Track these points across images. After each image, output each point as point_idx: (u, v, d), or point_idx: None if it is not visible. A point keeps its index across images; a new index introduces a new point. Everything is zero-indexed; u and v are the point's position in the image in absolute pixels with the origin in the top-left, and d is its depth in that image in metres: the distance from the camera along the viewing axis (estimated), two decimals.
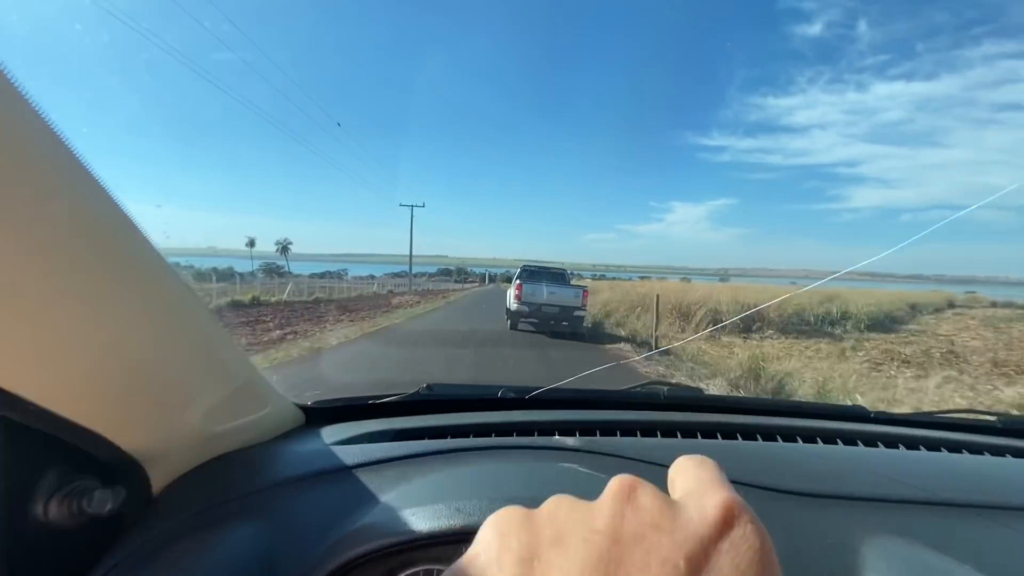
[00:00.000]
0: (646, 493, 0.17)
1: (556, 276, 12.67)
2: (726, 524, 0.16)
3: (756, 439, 0.72)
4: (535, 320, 10.79)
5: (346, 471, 0.55)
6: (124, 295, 0.39)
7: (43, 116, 0.30)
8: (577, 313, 10.99)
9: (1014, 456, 0.74)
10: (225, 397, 0.54)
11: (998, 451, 0.75)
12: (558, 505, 0.18)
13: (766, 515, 0.17)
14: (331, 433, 0.67)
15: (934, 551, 0.44)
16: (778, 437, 0.73)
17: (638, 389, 0.87)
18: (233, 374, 0.55)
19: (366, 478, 0.54)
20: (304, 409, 0.73)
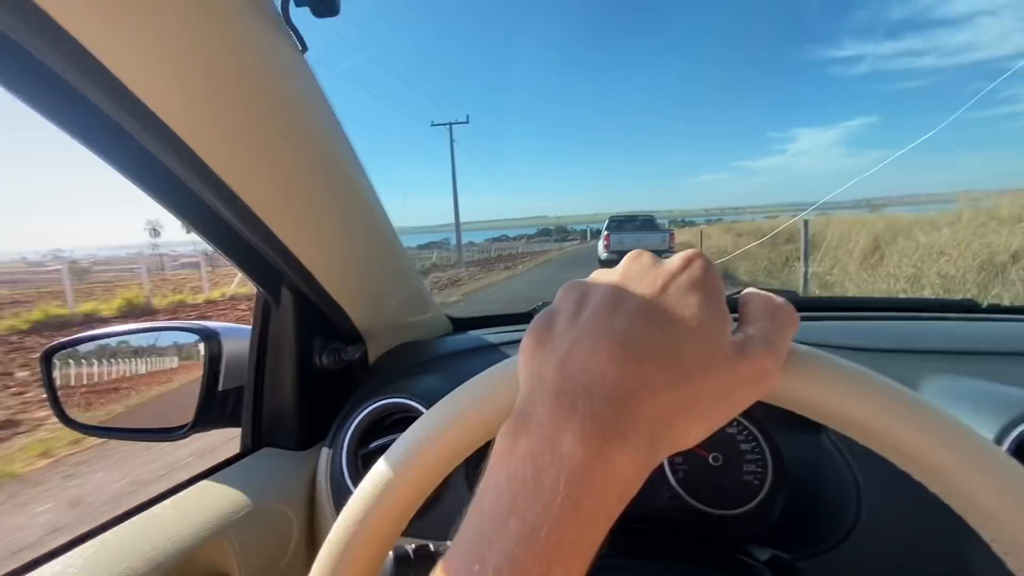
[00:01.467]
0: (645, 254, 0.27)
1: (644, 222, 13.58)
2: (688, 261, 0.26)
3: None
4: None
5: (486, 347, 0.78)
6: (357, 216, 0.62)
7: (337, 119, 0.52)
8: (665, 255, 11.75)
9: None
10: (408, 297, 0.78)
11: None
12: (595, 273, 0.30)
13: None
14: (472, 334, 0.89)
15: (984, 380, 0.53)
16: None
17: (736, 295, 0.98)
18: (412, 282, 0.80)
19: (494, 353, 0.76)
20: (451, 319, 0.97)
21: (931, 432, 0.22)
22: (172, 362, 0.69)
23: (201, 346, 0.66)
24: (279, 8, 0.42)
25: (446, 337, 0.89)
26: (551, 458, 0.20)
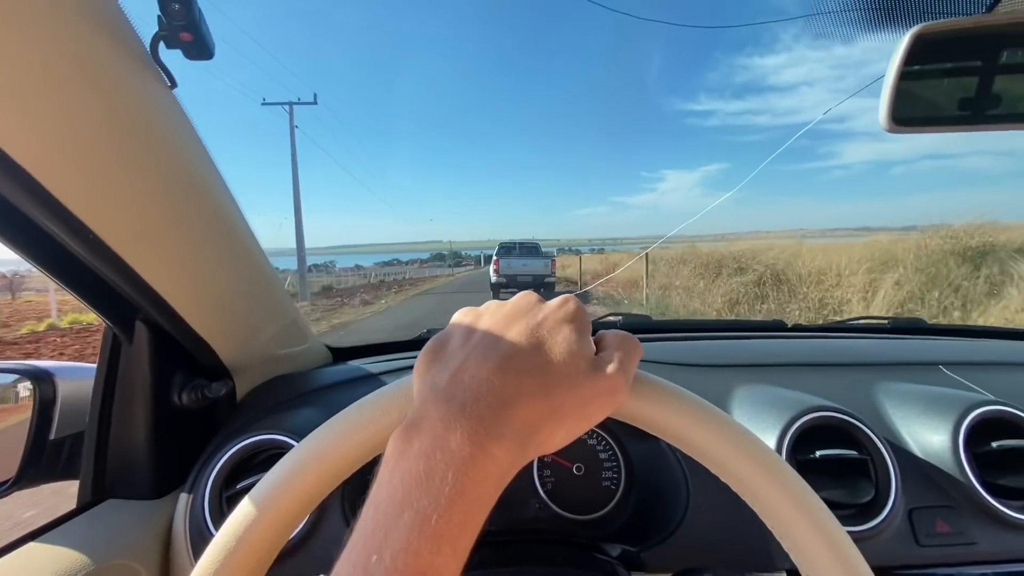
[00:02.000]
0: (532, 294, 0.33)
1: (529, 249, 15.60)
2: (564, 301, 0.31)
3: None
4: (513, 288, 13.03)
5: (366, 377, 0.80)
6: (225, 246, 0.61)
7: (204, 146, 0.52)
8: (548, 279, 14.17)
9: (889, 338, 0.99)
10: (281, 327, 0.77)
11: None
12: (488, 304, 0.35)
13: (665, 377, 0.32)
14: (353, 364, 0.90)
15: (781, 387, 0.69)
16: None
17: (601, 319, 1.12)
18: (286, 311, 0.79)
19: (374, 383, 0.78)
20: (331, 349, 0.96)
21: (728, 442, 0.29)
22: None
23: (30, 389, 0.60)
24: (148, 48, 0.44)
25: (324, 368, 0.88)
26: (441, 455, 0.23)
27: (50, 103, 0.38)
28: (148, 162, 0.47)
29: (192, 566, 0.56)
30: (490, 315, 0.31)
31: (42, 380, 0.61)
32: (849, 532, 0.28)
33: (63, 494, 0.64)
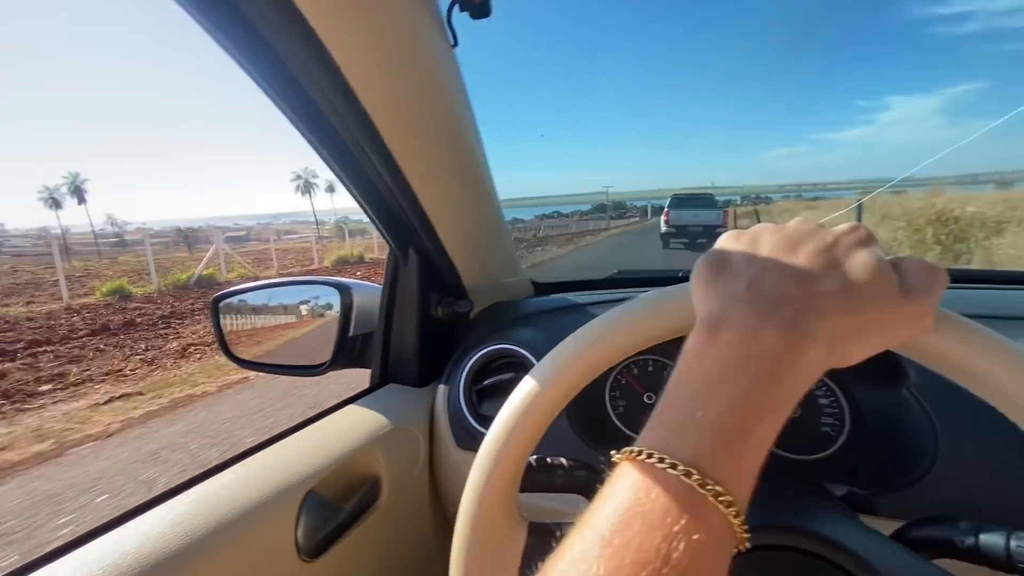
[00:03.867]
0: (812, 220, 0.33)
1: (702, 200, 16.44)
2: (854, 227, 0.32)
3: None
4: (684, 240, 14.55)
5: (571, 307, 0.91)
6: (476, 190, 0.77)
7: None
8: (719, 230, 13.55)
9: None
10: (503, 259, 0.93)
11: None
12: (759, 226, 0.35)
13: None
14: (556, 296, 1.03)
15: None
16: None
17: None
18: (508, 248, 0.95)
19: (579, 312, 0.89)
20: (533, 283, 1.11)
21: None
22: (311, 311, 0.87)
23: (337, 298, 0.84)
24: (444, 11, 0.56)
25: (533, 298, 1.03)
26: (755, 346, 0.26)
27: (382, 69, 0.52)
28: (435, 110, 0.61)
29: (451, 438, 0.75)
30: (770, 235, 0.33)
31: (344, 291, 0.84)
32: None
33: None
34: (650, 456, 0.24)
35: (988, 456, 0.57)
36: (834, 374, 0.72)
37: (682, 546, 0.21)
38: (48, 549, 0.46)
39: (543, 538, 0.41)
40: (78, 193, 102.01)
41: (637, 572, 0.20)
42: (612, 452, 0.27)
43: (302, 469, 0.60)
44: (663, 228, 15.64)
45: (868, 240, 0.31)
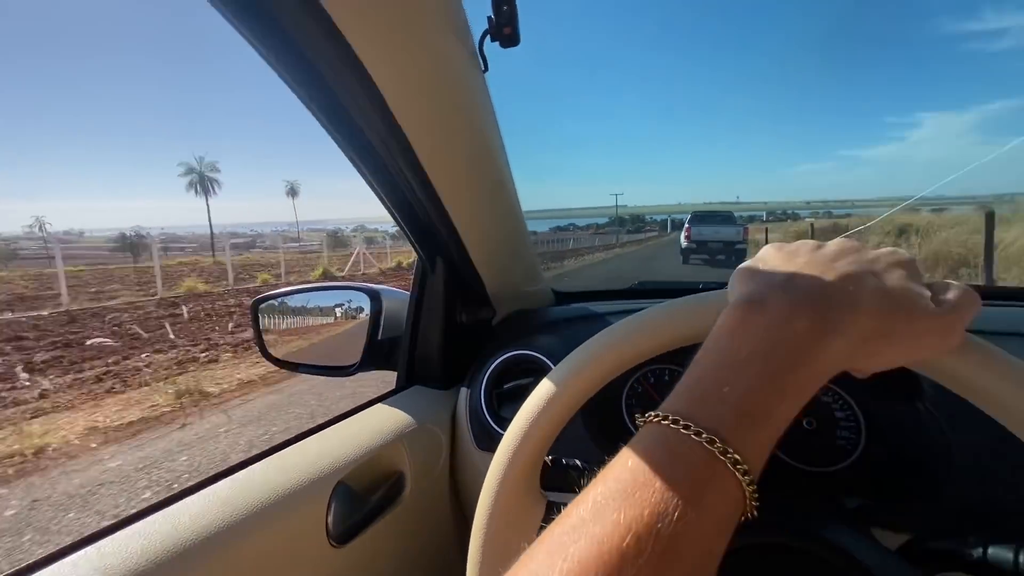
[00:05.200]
0: (850, 240, 0.35)
1: (723, 217, 17.70)
2: (892, 249, 0.34)
3: None
4: (704, 255, 15.70)
5: (591, 316, 0.96)
6: (501, 202, 0.82)
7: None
8: (739, 246, 15.65)
9: None
10: (525, 268, 0.99)
11: None
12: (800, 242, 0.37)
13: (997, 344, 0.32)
14: (576, 305, 1.08)
15: None
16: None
17: None
18: (531, 258, 1.00)
19: (598, 321, 0.93)
20: (555, 292, 1.16)
21: None
22: (343, 315, 0.94)
23: (367, 303, 0.90)
24: (477, 41, 0.63)
25: (554, 307, 1.08)
26: (786, 331, 0.28)
27: (420, 94, 0.59)
28: (466, 132, 0.68)
29: (471, 439, 0.80)
30: (810, 249, 0.35)
31: (374, 297, 0.90)
32: None
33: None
34: (675, 422, 0.26)
35: (1002, 476, 0.58)
36: (852, 389, 0.75)
37: (693, 508, 0.23)
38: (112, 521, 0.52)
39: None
40: None
41: (653, 523, 0.23)
42: (637, 416, 0.29)
43: (333, 461, 0.66)
44: (683, 244, 16.68)
45: (906, 261, 0.34)
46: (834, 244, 0.35)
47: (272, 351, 0.91)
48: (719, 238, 16.10)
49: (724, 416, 0.27)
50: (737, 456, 0.25)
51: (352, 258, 21.60)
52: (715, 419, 0.26)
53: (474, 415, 0.82)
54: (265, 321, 0.93)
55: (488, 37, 0.61)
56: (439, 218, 0.74)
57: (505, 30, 0.60)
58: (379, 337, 0.90)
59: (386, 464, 0.74)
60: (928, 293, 0.31)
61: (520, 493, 0.42)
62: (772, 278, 0.32)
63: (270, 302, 0.93)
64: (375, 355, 0.90)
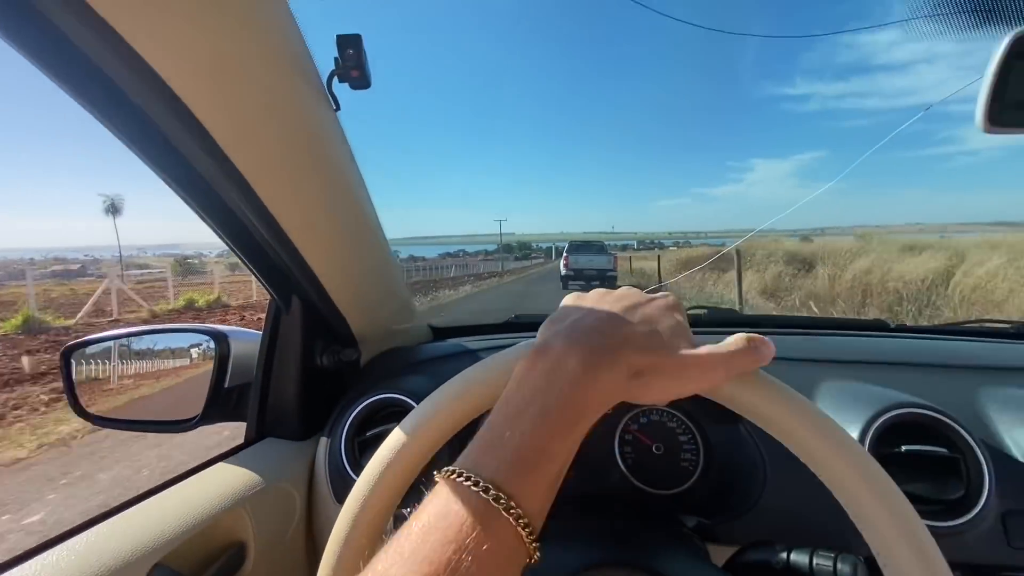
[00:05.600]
0: (634, 288, 0.41)
1: (596, 247, 19.60)
2: (666, 295, 0.39)
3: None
4: (581, 282, 17.22)
5: (465, 352, 0.95)
6: (364, 238, 0.79)
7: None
8: (610, 273, 17.94)
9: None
10: (397, 307, 0.95)
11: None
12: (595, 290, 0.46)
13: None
14: (452, 341, 1.06)
15: (873, 384, 0.74)
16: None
17: (688, 310, 1.21)
18: (401, 292, 0.96)
19: (472, 358, 0.93)
20: (432, 328, 1.13)
21: (812, 427, 0.34)
22: (182, 361, 0.82)
23: (212, 347, 0.80)
24: (325, 80, 0.60)
25: (428, 344, 1.05)
26: (560, 372, 0.31)
27: (260, 128, 0.55)
28: (317, 169, 0.64)
29: (331, 494, 0.74)
30: (600, 295, 0.40)
31: (220, 340, 0.81)
32: (934, 526, 0.32)
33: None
34: (460, 475, 0.28)
35: (806, 486, 0.68)
36: (693, 414, 0.82)
37: (471, 557, 0.24)
38: None
39: None
40: None
41: (440, 573, 0.24)
42: (435, 472, 0.30)
43: (151, 538, 0.56)
44: (563, 271, 18.30)
45: (677, 306, 0.39)
46: (619, 291, 0.40)
47: (88, 406, 0.77)
48: (593, 266, 17.81)
49: (502, 464, 0.28)
50: (512, 503, 0.27)
51: (95, 297, 14.05)
52: (493, 468, 0.28)
53: (333, 467, 0.76)
54: (79, 371, 0.79)
55: (336, 78, 0.60)
56: (290, 258, 0.68)
57: (353, 72, 0.59)
58: (226, 385, 0.81)
59: (222, 535, 0.65)
60: (691, 334, 0.36)
61: (370, 547, 0.39)
62: (559, 325, 0.36)
63: (87, 348, 0.79)
64: (221, 405, 0.80)
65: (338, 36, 0.58)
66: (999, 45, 0.54)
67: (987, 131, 0.55)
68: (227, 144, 0.51)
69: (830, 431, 0.34)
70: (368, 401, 0.78)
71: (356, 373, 0.91)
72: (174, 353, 0.83)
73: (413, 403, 0.78)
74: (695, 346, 0.35)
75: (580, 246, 19.33)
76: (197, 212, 0.62)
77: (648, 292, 0.42)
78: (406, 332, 1.03)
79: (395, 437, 0.40)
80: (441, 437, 0.40)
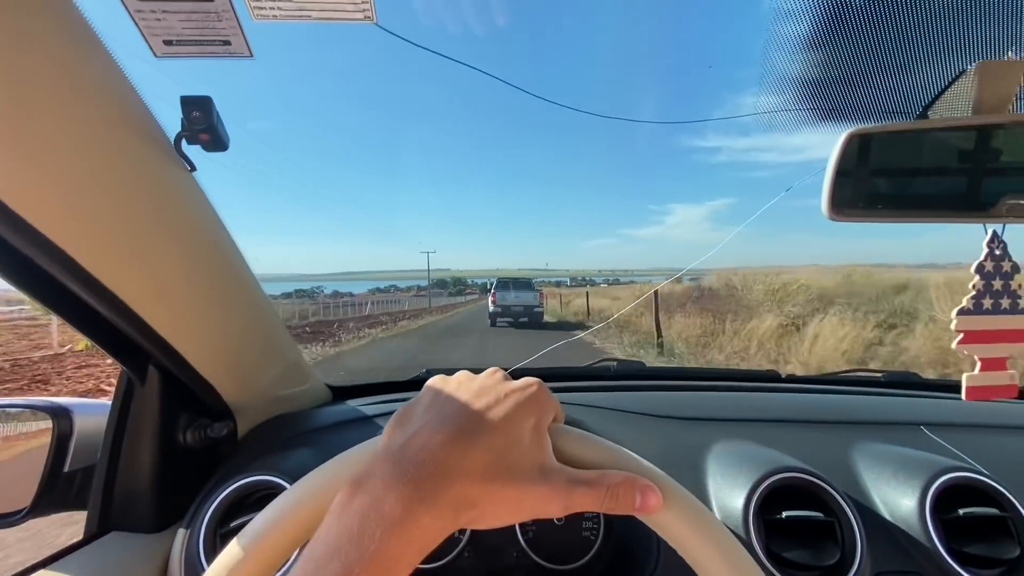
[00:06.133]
0: (500, 372, 0.38)
1: (522, 284, 19.36)
2: (528, 384, 0.36)
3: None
4: (509, 319, 17.60)
5: (362, 419, 0.89)
6: (235, 300, 0.72)
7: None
8: (537, 309, 18.06)
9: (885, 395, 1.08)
10: (283, 369, 0.88)
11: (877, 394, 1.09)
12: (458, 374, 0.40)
13: (648, 428, 0.45)
14: (352, 403, 1.00)
15: (760, 444, 0.77)
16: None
17: (595, 365, 1.22)
18: (288, 354, 0.89)
19: (368, 425, 0.88)
20: (331, 388, 1.06)
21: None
22: (11, 441, 0.71)
23: (50, 424, 0.70)
24: (172, 140, 0.56)
25: (322, 408, 0.98)
26: (375, 515, 0.28)
27: (85, 187, 0.48)
28: (168, 233, 0.58)
29: None
30: (455, 386, 0.36)
31: (61, 416, 0.70)
32: None
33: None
34: None
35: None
36: None
37: None
38: None
39: None
40: None
41: None
42: None
43: None
44: (491, 308, 18.26)
45: (535, 399, 0.35)
46: (478, 382, 0.37)
47: None
48: (520, 302, 17.91)
49: None
50: None
51: None
52: None
53: (189, 566, 0.66)
54: None
55: (184, 140, 0.56)
56: (138, 330, 0.60)
57: (201, 136, 0.55)
58: (66, 468, 0.70)
59: None
60: (545, 451, 0.34)
61: None
62: (389, 445, 0.32)
63: None
64: (58, 493, 0.69)
65: (182, 97, 0.54)
66: (836, 143, 0.60)
67: (831, 219, 0.60)
68: (39, 220, 0.45)
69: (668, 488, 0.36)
70: (235, 485, 0.70)
71: (234, 447, 0.83)
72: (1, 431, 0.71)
73: (287, 485, 0.71)
74: (541, 468, 0.32)
75: (507, 283, 19.06)
76: (27, 294, 0.54)
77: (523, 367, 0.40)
78: (299, 396, 0.95)
79: (246, 534, 0.35)
80: (278, 558, 0.36)
